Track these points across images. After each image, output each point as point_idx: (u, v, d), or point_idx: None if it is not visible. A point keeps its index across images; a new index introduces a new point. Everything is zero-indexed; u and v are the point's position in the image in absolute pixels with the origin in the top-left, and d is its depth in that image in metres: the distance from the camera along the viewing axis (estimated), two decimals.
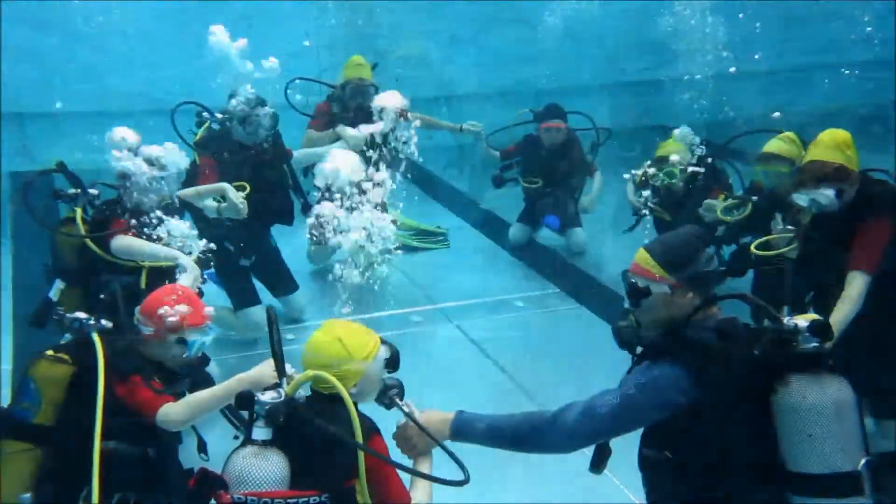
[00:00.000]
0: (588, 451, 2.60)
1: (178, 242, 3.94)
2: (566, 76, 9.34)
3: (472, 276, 6.54)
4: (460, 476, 2.34)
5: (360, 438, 2.32)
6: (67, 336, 3.09)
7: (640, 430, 2.47)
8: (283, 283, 5.64)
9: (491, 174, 6.92)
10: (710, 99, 8.20)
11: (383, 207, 5.14)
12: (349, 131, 5.84)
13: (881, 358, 3.53)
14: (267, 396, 2.33)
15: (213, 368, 4.24)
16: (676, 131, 5.87)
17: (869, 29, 9.18)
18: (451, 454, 2.40)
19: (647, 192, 6.00)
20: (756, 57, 9.01)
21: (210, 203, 4.69)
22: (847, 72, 9.17)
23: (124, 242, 3.91)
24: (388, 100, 5.20)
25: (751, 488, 2.29)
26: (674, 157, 5.68)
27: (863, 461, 2.19)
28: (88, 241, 3.93)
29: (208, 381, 3.25)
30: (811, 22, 10.02)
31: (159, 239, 3.95)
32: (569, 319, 5.90)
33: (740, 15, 8.80)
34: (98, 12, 7.91)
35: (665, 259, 2.48)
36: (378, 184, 4.77)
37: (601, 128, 6.77)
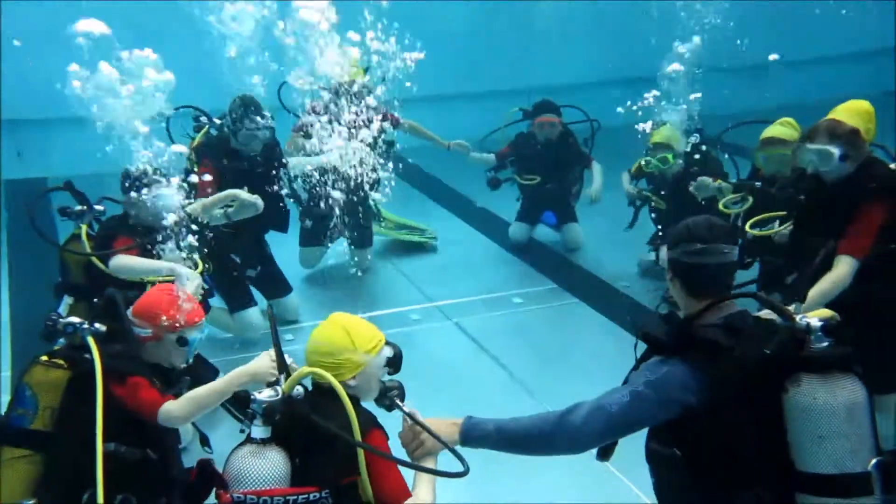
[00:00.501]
0: None
1: (181, 256, 3.89)
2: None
3: (469, 274, 6.54)
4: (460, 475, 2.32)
5: (357, 433, 2.31)
6: (62, 341, 3.08)
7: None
8: (276, 286, 5.65)
9: (486, 177, 6.85)
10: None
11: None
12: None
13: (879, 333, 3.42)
14: (264, 395, 2.33)
15: None
16: (670, 119, 5.87)
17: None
18: (451, 450, 2.39)
19: (642, 181, 6.01)
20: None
21: (217, 212, 4.66)
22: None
23: (121, 262, 3.91)
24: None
25: (760, 488, 2.26)
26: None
27: (873, 462, 2.16)
28: (94, 259, 3.97)
29: (207, 381, 3.24)
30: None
31: (155, 251, 3.93)
32: (566, 315, 5.90)
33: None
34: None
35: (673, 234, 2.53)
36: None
37: (592, 119, 6.74)
